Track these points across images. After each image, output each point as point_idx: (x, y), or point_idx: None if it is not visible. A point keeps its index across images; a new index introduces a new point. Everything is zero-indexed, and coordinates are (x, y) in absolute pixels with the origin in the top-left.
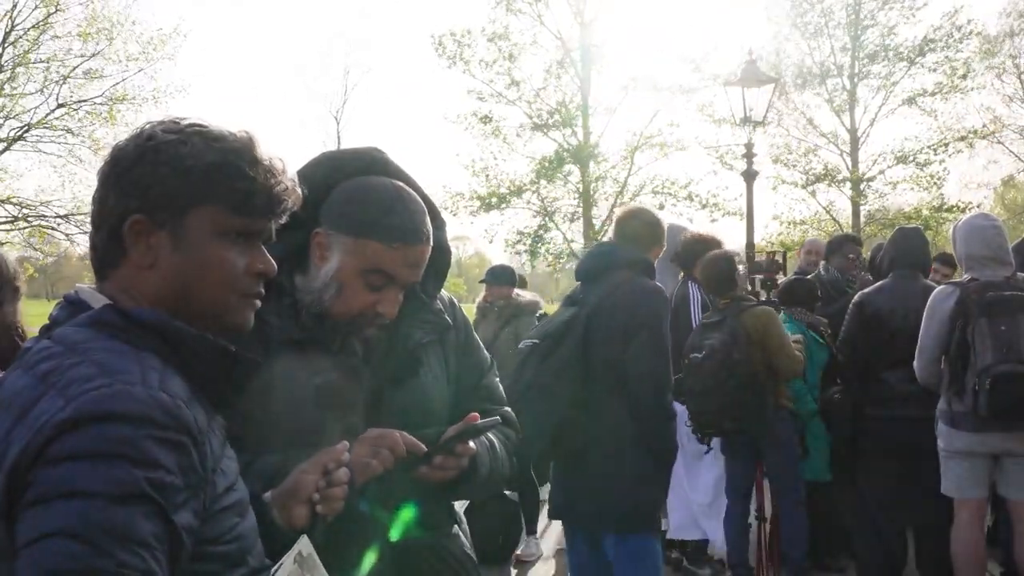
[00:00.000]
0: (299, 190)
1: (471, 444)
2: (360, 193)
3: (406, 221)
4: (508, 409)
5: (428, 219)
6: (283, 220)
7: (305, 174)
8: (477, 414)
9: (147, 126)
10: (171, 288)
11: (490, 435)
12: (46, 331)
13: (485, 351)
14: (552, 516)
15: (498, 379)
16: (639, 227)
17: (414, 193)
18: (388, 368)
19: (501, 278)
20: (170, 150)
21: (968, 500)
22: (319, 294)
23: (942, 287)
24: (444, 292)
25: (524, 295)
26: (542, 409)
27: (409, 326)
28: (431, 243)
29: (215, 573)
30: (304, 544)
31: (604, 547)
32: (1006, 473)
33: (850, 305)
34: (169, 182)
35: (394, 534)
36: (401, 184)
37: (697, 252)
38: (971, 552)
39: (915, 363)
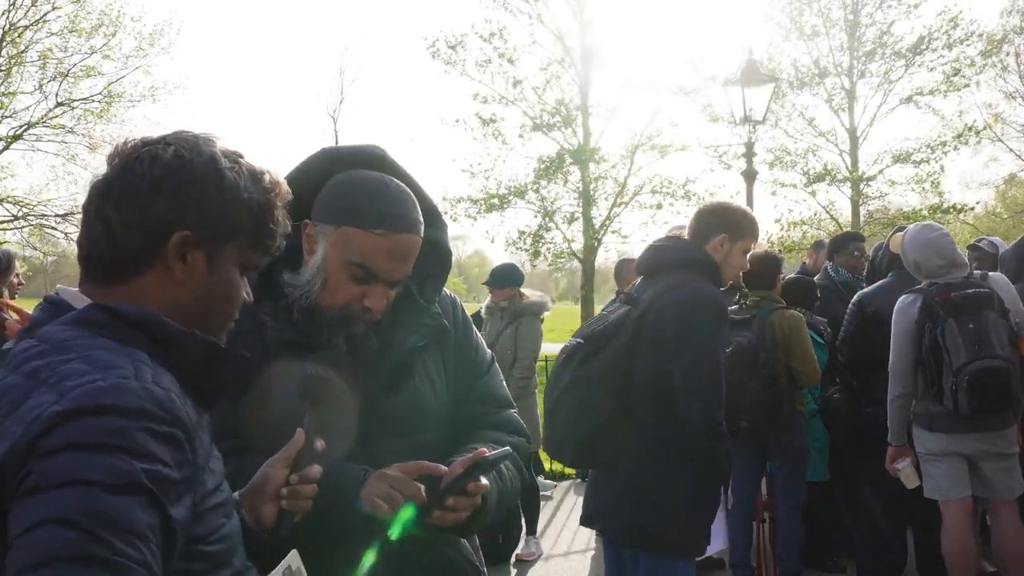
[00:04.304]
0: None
1: (483, 480)
2: (345, 184)
3: (388, 207)
4: (513, 412)
5: (417, 210)
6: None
7: (303, 169)
8: (485, 449)
9: (201, 142)
10: (193, 307)
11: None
12: (27, 332)
13: (486, 350)
14: (582, 522)
15: (501, 378)
16: (702, 217)
17: (403, 185)
18: (381, 374)
19: (499, 279)
20: (232, 179)
21: (953, 500)
22: (307, 288)
23: (904, 295)
24: (446, 290)
25: (531, 294)
26: (573, 418)
27: (404, 330)
28: (420, 235)
29: (203, 572)
30: (293, 558)
31: (628, 564)
32: (981, 474)
33: (849, 304)
34: (226, 210)
35: (394, 533)
36: (391, 177)
37: None
38: (961, 551)
39: (890, 374)
